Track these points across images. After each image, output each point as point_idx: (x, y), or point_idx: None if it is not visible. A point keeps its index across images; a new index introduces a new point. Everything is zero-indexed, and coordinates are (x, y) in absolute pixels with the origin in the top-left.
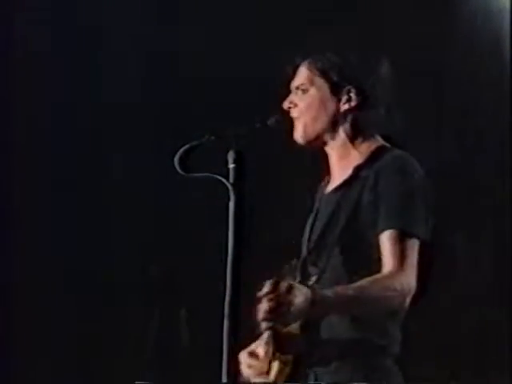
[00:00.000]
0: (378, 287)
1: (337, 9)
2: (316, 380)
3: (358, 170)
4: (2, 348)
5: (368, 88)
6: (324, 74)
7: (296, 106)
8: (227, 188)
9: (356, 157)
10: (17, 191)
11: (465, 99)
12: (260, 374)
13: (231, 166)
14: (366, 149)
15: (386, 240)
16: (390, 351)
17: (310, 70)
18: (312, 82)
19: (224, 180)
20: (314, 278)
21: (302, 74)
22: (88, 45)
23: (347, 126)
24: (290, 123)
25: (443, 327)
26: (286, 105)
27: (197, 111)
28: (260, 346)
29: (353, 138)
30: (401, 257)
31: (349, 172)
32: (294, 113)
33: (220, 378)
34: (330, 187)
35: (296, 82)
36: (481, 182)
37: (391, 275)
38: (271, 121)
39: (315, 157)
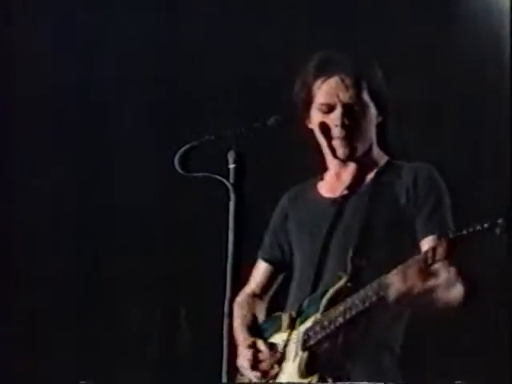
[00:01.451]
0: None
1: (336, 10)
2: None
3: (378, 175)
4: (1, 348)
5: (389, 102)
6: (373, 94)
7: (347, 125)
8: (227, 188)
9: (370, 166)
10: (17, 189)
11: (465, 99)
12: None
13: (231, 166)
14: (378, 159)
15: (428, 246)
16: (393, 351)
17: (362, 89)
18: (361, 102)
19: (224, 180)
20: (364, 270)
21: (352, 92)
22: (87, 44)
23: (375, 140)
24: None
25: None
26: (337, 122)
27: (197, 111)
28: (261, 343)
29: (374, 150)
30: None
31: (367, 178)
32: (339, 132)
33: (220, 378)
34: (343, 192)
35: (344, 98)
36: (481, 183)
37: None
38: (271, 121)
39: (315, 157)
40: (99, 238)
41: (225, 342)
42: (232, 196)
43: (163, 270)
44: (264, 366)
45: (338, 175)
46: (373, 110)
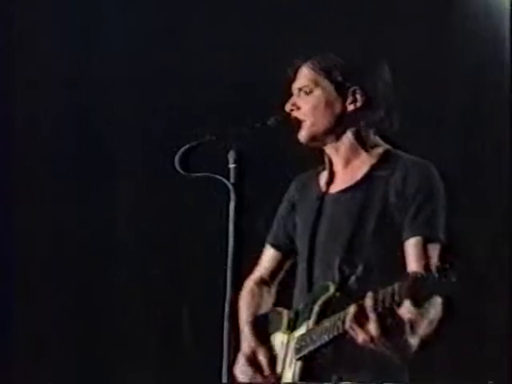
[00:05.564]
0: None
1: (337, 9)
2: (340, 380)
3: (372, 169)
4: (1, 348)
5: (372, 88)
6: (328, 74)
7: (299, 108)
8: (228, 188)
9: (366, 157)
10: (17, 194)
11: (465, 99)
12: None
13: (232, 165)
14: (375, 150)
15: (411, 247)
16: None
17: (313, 70)
18: (316, 83)
19: (224, 180)
20: (353, 278)
21: (305, 75)
22: (88, 46)
23: (353, 126)
24: (292, 124)
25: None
26: (288, 107)
27: (197, 111)
28: (261, 351)
29: (359, 138)
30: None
31: (360, 172)
32: (297, 115)
33: (220, 378)
34: (336, 187)
35: (298, 84)
36: (481, 183)
37: None
38: (271, 121)
39: (315, 157)
40: (99, 238)
41: (225, 343)
42: (232, 196)
43: (163, 269)
44: (263, 373)
45: (333, 166)
46: (341, 96)
